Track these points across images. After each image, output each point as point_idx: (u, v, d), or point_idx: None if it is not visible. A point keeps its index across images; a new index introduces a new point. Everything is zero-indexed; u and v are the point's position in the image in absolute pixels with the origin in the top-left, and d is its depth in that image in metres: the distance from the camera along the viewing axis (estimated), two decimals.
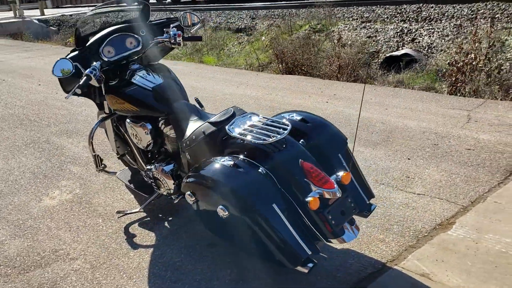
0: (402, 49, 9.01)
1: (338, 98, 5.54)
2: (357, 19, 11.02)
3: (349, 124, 4.59)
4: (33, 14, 20.33)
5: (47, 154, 4.24)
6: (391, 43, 9.54)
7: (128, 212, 3.08)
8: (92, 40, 2.88)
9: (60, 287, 2.40)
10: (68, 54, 2.79)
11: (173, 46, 2.99)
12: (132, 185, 3.07)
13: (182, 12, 3.08)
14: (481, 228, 2.70)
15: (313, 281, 2.34)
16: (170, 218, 2.99)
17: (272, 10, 13.57)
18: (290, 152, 2.18)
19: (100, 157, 3.06)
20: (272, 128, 2.25)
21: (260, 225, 2.02)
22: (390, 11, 10.82)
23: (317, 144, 2.32)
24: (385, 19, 10.61)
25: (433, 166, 3.54)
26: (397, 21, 10.37)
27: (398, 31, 9.80)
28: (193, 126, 2.54)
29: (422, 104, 5.09)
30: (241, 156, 2.23)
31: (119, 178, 3.16)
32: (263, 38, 11.96)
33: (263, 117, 2.37)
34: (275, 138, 2.15)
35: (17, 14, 19.46)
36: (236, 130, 2.27)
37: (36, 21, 17.38)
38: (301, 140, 2.33)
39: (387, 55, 8.74)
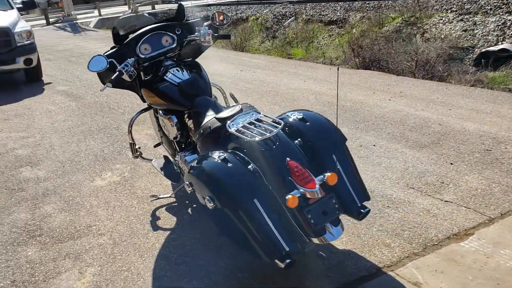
0: (501, 43, 8.35)
1: (403, 96, 5.34)
2: (456, 10, 10.37)
3: (403, 124, 4.44)
4: (146, 8, 21.86)
5: (113, 139, 4.68)
6: (489, 37, 8.88)
7: (160, 196, 3.34)
8: (130, 37, 3.15)
9: (82, 258, 2.72)
10: (107, 51, 3.09)
11: (203, 44, 3.17)
12: (162, 172, 3.32)
13: (214, 11, 3.24)
14: (500, 242, 2.54)
15: (303, 278, 2.40)
16: (194, 205, 3.20)
17: (368, 2, 13.21)
18: (279, 151, 2.25)
19: (135, 145, 3.34)
20: (267, 126, 2.33)
21: (240, 218, 2.13)
22: (495, 2, 10.02)
23: (312, 144, 2.35)
24: (488, 11, 9.86)
25: (475, 173, 3.34)
26: (501, 13, 9.59)
27: (500, 24, 9.08)
28: (205, 120, 2.70)
29: (493, 105, 4.74)
30: (237, 152, 2.34)
31: (153, 165, 3.43)
32: (354, 30, 11.74)
33: (264, 115, 2.45)
34: (264, 136, 2.24)
35: (131, 8, 21.10)
36: (235, 127, 2.38)
37: (146, 15, 18.71)
38: (298, 139, 2.38)
39: (483, 50, 8.15)
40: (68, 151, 4.45)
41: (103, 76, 3.07)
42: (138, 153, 3.38)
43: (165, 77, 3.04)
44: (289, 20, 14.73)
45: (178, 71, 3.08)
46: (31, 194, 3.58)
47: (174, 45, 3.19)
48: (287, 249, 2.11)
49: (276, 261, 2.10)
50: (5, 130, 5.24)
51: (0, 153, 4.53)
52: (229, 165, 2.23)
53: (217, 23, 3.21)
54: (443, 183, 3.25)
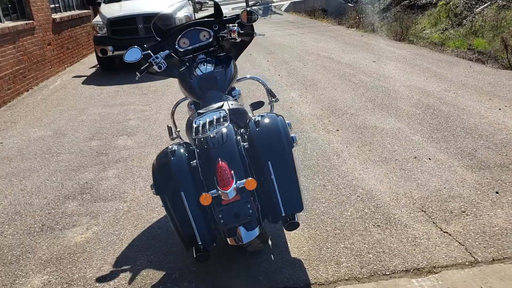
0: None
1: None
2: None
3: (486, 139, 3.87)
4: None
5: None
6: None
7: None
8: (171, 32, 3.51)
9: (97, 217, 3.27)
10: (150, 43, 3.50)
11: (231, 40, 3.36)
12: None
13: (244, 9, 3.39)
14: None
15: (231, 274, 2.50)
16: None
17: None
18: (217, 150, 2.38)
19: (176, 127, 3.72)
20: (219, 126, 2.47)
21: (167, 206, 2.37)
22: None
23: (254, 148, 2.42)
24: None
25: None
26: None
27: None
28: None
29: None
30: (192, 147, 2.56)
31: None
32: None
33: (225, 116, 2.57)
34: (200, 135, 2.40)
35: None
36: (198, 123, 2.58)
37: None
38: (246, 142, 2.47)
39: None
40: (163, 126, 5.12)
41: (142, 66, 3.52)
42: (176, 136, 3.78)
43: (193, 69, 3.34)
44: (483, 5, 13.21)
45: (204, 64, 3.34)
46: (109, 159, 4.32)
47: (211, 39, 3.45)
48: (200, 242, 2.27)
49: (193, 250, 2.29)
50: (135, 103, 6.24)
51: (117, 122, 5.47)
52: (172, 158, 2.46)
53: (245, 21, 3.37)
54: (463, 212, 2.86)
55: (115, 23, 8.14)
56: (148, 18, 8.11)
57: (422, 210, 2.92)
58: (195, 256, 2.25)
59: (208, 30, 3.43)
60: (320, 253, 2.62)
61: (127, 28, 8.14)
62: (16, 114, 6.23)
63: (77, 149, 4.66)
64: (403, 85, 5.78)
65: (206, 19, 3.52)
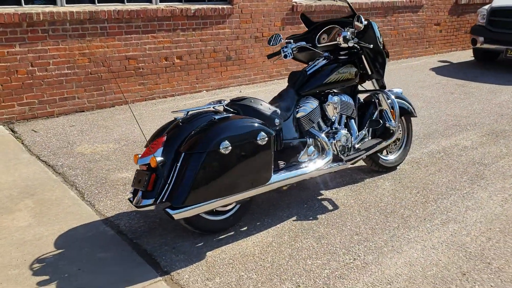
0: None
1: None
2: None
3: None
4: None
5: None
6: None
7: None
8: (313, 26, 3.52)
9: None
10: (295, 34, 3.61)
11: (338, 44, 3.21)
12: None
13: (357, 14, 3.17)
14: None
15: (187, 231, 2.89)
16: None
17: None
18: (175, 127, 2.80)
19: None
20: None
21: None
22: None
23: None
24: None
25: None
26: None
27: None
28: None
29: None
30: None
31: None
32: None
33: (214, 113, 2.87)
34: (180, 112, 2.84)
35: None
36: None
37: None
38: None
39: None
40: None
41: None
42: None
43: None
44: None
45: (316, 62, 3.34)
46: None
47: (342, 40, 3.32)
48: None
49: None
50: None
51: None
52: None
53: (355, 28, 3.15)
54: None
55: (495, 13, 7.34)
56: None
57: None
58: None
59: (343, 29, 3.35)
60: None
61: (505, 21, 7.19)
62: None
63: None
64: None
65: (344, 19, 3.43)
